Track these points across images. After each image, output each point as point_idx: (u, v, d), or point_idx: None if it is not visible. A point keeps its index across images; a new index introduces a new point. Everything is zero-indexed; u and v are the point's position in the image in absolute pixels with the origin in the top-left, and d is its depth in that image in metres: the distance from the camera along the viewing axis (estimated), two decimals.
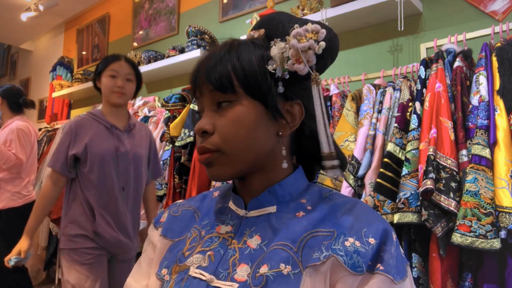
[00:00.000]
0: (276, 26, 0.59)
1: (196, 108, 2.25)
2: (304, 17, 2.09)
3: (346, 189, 1.64)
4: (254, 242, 0.56)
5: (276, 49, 0.55)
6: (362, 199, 1.59)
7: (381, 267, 0.48)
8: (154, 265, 0.64)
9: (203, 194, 0.71)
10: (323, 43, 0.53)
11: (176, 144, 2.28)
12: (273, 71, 0.55)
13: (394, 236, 0.52)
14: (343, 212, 0.54)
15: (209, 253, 0.58)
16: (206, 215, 0.65)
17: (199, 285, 0.54)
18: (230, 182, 0.67)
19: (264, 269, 0.51)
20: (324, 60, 0.56)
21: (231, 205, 0.63)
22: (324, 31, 0.54)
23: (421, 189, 1.39)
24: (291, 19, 0.59)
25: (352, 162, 1.66)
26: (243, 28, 2.69)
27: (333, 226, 0.52)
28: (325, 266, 0.49)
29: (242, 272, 0.53)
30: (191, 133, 2.23)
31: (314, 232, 0.52)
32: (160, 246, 0.65)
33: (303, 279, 0.49)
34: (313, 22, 0.56)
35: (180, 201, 0.72)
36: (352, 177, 1.64)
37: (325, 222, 0.53)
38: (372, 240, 0.49)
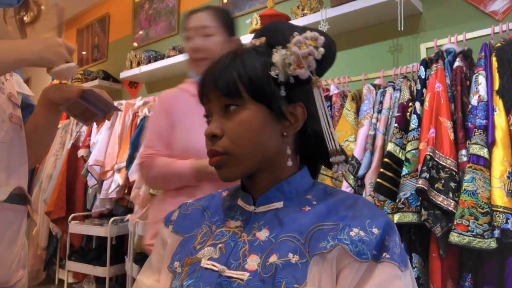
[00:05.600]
0: (276, 33, 0.63)
1: None
2: (304, 17, 2.10)
3: (346, 189, 1.64)
4: (263, 234, 0.59)
5: (277, 56, 0.60)
6: None
7: (387, 256, 0.51)
8: (165, 261, 0.67)
9: (212, 195, 0.74)
10: (322, 49, 0.58)
11: None
12: (275, 76, 0.60)
13: (396, 229, 0.55)
14: (346, 206, 0.58)
15: (220, 245, 0.60)
16: (215, 213, 0.68)
17: (211, 276, 0.57)
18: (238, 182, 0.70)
19: (273, 258, 0.54)
20: (323, 65, 0.61)
21: (240, 202, 0.66)
22: (322, 38, 0.59)
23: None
24: (290, 27, 0.63)
25: (352, 162, 1.66)
26: (243, 28, 2.69)
27: (338, 220, 0.55)
28: (332, 254, 0.52)
29: (253, 262, 0.56)
30: None
31: (320, 225, 0.56)
32: (171, 242, 0.68)
33: (310, 267, 0.52)
34: (311, 29, 0.60)
35: (190, 200, 0.75)
36: (352, 177, 1.64)
37: (330, 216, 0.57)
38: (375, 230, 0.53)
